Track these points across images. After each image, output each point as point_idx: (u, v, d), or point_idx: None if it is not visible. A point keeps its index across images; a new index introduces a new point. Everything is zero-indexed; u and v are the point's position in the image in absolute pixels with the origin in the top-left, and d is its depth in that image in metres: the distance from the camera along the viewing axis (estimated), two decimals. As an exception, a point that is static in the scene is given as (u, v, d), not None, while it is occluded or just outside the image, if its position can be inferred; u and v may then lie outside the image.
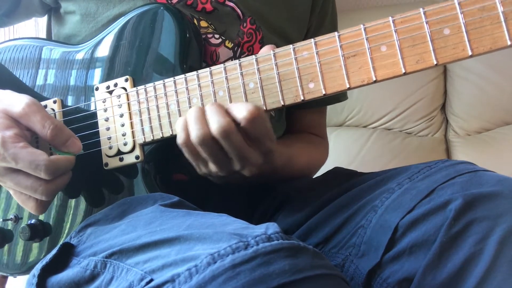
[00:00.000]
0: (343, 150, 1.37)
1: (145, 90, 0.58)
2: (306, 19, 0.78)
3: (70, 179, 0.55)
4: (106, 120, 0.60)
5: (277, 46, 0.53)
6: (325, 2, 0.81)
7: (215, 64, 0.55)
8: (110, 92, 0.61)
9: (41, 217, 0.63)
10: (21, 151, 0.50)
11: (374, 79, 0.48)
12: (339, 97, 0.84)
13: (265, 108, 0.52)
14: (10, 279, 0.73)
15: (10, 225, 0.65)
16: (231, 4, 0.68)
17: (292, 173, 0.70)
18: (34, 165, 0.50)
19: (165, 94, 0.57)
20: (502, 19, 0.44)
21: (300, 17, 0.77)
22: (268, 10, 0.72)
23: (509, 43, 0.44)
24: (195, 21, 0.66)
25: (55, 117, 0.62)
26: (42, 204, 0.55)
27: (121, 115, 0.59)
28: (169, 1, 0.65)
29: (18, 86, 0.67)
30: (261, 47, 0.70)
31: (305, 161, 0.74)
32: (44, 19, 0.80)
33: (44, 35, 0.81)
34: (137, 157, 0.59)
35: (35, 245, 0.63)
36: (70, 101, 0.64)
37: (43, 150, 0.52)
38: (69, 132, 0.55)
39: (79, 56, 0.66)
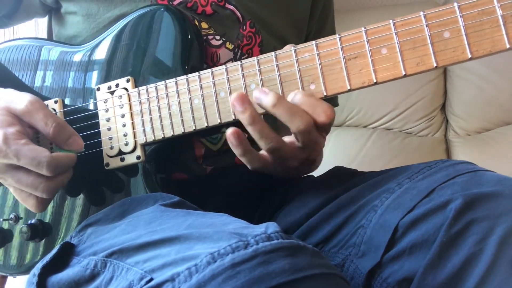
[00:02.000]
0: (343, 150, 1.37)
1: (147, 90, 0.58)
2: (305, 25, 0.78)
3: (71, 179, 0.55)
4: (108, 120, 0.61)
5: (276, 50, 0.53)
6: (324, 8, 0.81)
7: (216, 66, 0.55)
8: (112, 93, 0.61)
9: (41, 216, 0.63)
10: (23, 147, 0.50)
11: (375, 81, 0.48)
12: (335, 102, 0.84)
13: None
14: (10, 279, 0.73)
15: (10, 224, 0.65)
16: (231, 7, 0.68)
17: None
18: (36, 161, 0.50)
19: (167, 95, 0.57)
20: (501, 22, 0.44)
21: (299, 22, 0.77)
22: (267, 14, 0.72)
23: (508, 46, 0.44)
24: (196, 23, 0.66)
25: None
26: (43, 202, 0.55)
27: (123, 116, 0.60)
28: (170, 3, 0.65)
29: (19, 86, 0.67)
30: (260, 50, 0.70)
31: None
32: (45, 19, 0.80)
33: (44, 36, 0.81)
34: (138, 157, 0.59)
35: (35, 245, 0.63)
36: (71, 101, 0.64)
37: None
38: (71, 130, 0.55)
39: (81, 56, 0.66)
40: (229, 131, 0.50)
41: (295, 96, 0.49)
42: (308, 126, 0.48)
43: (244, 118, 0.50)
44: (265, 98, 0.50)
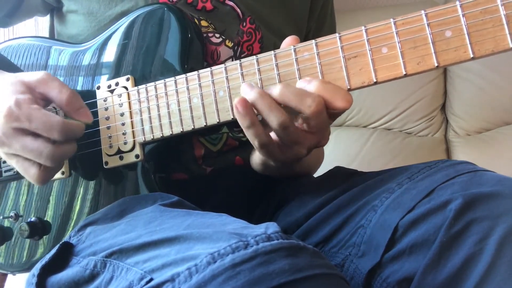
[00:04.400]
0: (343, 150, 1.37)
1: (146, 89, 0.58)
2: (304, 22, 0.78)
3: (69, 178, 0.55)
4: (107, 119, 0.60)
5: (276, 46, 0.53)
6: (323, 6, 0.81)
7: (216, 63, 0.56)
8: (112, 91, 0.61)
9: (41, 215, 0.63)
10: (36, 111, 0.51)
11: (375, 80, 0.48)
12: None
13: None
14: (10, 276, 0.73)
15: (9, 222, 0.65)
16: (231, 3, 0.68)
17: (309, 165, 0.72)
18: (48, 125, 0.50)
19: (166, 94, 0.57)
20: (504, 21, 0.43)
21: (298, 20, 0.77)
22: (267, 11, 0.72)
23: (511, 45, 0.43)
24: (196, 21, 0.66)
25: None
26: (45, 172, 0.54)
27: (122, 114, 0.60)
28: (170, 0, 0.65)
29: None
30: (260, 47, 0.70)
31: (317, 153, 0.75)
32: (45, 19, 0.80)
33: (45, 35, 0.81)
34: (137, 156, 0.59)
35: (34, 243, 0.63)
36: (71, 100, 0.64)
37: None
38: (82, 102, 0.56)
39: (81, 55, 0.66)
40: (237, 100, 0.49)
41: (311, 83, 0.48)
42: (319, 107, 0.47)
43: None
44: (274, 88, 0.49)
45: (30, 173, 0.54)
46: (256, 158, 0.62)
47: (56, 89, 0.54)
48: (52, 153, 0.52)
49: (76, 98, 0.55)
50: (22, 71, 0.68)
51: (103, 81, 0.62)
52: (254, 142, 0.51)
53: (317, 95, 0.47)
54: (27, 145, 0.52)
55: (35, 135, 0.51)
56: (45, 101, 0.55)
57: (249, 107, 0.49)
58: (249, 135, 0.51)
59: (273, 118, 0.48)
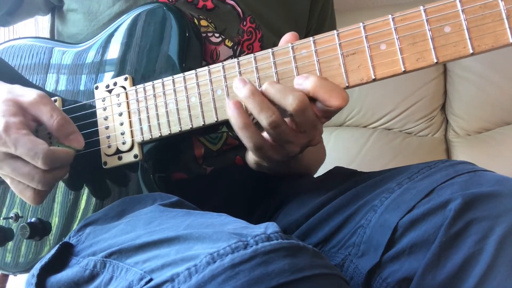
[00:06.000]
0: (343, 150, 1.37)
1: (144, 89, 0.58)
2: (304, 22, 0.78)
3: (69, 177, 0.55)
4: (105, 119, 0.60)
5: (276, 46, 0.53)
6: (324, 6, 0.81)
7: (215, 63, 0.55)
8: (110, 91, 0.61)
9: (41, 215, 0.63)
10: (23, 137, 0.50)
11: (373, 77, 0.48)
12: None
13: None
14: (11, 277, 0.73)
15: (10, 223, 0.65)
16: (232, 2, 0.68)
17: (308, 165, 0.72)
18: (33, 152, 0.50)
19: (164, 93, 0.57)
20: (504, 16, 0.43)
21: (299, 19, 0.77)
22: (267, 10, 0.72)
23: (511, 40, 0.43)
24: (195, 21, 0.66)
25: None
26: (40, 194, 0.55)
27: (120, 114, 0.59)
28: (170, 0, 0.65)
29: (22, 84, 0.67)
30: (260, 46, 0.70)
31: (316, 153, 0.75)
32: (45, 18, 0.80)
33: (44, 35, 0.81)
34: (135, 156, 0.59)
35: (35, 244, 0.63)
36: (70, 100, 0.64)
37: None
38: (74, 127, 0.56)
39: (80, 55, 0.66)
40: (230, 101, 0.49)
41: (308, 79, 0.48)
42: (301, 105, 0.47)
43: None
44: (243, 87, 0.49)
45: (25, 195, 0.55)
46: (250, 157, 0.62)
47: (47, 114, 0.53)
48: (42, 178, 0.52)
49: (66, 124, 0.54)
50: (21, 73, 0.68)
51: (101, 81, 0.62)
52: (248, 144, 0.51)
53: (300, 93, 0.47)
54: (17, 169, 0.52)
55: (26, 160, 0.51)
56: (37, 122, 0.55)
57: (241, 107, 0.49)
58: (243, 136, 0.50)
59: (263, 117, 0.48)
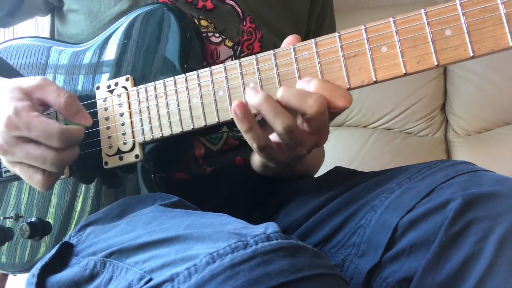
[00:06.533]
0: (343, 150, 1.37)
1: (145, 89, 0.58)
2: (304, 22, 0.78)
3: (69, 177, 0.55)
4: (107, 119, 0.60)
5: (276, 46, 0.53)
6: (323, 6, 0.81)
7: (216, 63, 0.55)
8: (111, 91, 0.61)
9: (41, 215, 0.63)
10: (35, 118, 0.51)
11: (374, 79, 0.48)
12: None
13: None
14: (11, 277, 0.73)
15: (10, 223, 0.65)
16: (231, 2, 0.68)
17: (309, 165, 0.72)
18: (47, 132, 0.50)
19: (165, 94, 0.57)
20: (504, 20, 0.43)
21: (298, 19, 0.77)
22: (267, 10, 0.72)
23: (511, 44, 0.43)
24: (196, 21, 0.66)
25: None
26: (50, 178, 0.54)
27: (121, 114, 0.60)
28: (170, 0, 0.65)
29: None
30: (260, 46, 0.70)
31: (317, 154, 0.75)
32: (45, 19, 0.80)
33: (44, 35, 0.81)
34: (136, 156, 0.59)
35: (35, 243, 0.63)
36: (70, 100, 0.64)
37: None
38: (81, 105, 0.56)
39: (81, 55, 0.66)
40: (235, 103, 0.48)
41: (311, 82, 0.48)
42: (322, 107, 0.47)
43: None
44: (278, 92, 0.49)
45: (35, 180, 0.54)
46: (256, 159, 0.62)
47: (53, 93, 0.54)
48: (55, 159, 0.52)
49: (74, 101, 0.55)
50: (21, 72, 0.68)
51: (103, 81, 0.62)
52: (253, 145, 0.51)
53: (319, 94, 0.47)
54: (30, 152, 0.52)
55: (38, 142, 0.51)
56: (44, 106, 0.55)
57: (247, 110, 0.48)
58: (248, 138, 0.50)
59: (279, 122, 0.48)
